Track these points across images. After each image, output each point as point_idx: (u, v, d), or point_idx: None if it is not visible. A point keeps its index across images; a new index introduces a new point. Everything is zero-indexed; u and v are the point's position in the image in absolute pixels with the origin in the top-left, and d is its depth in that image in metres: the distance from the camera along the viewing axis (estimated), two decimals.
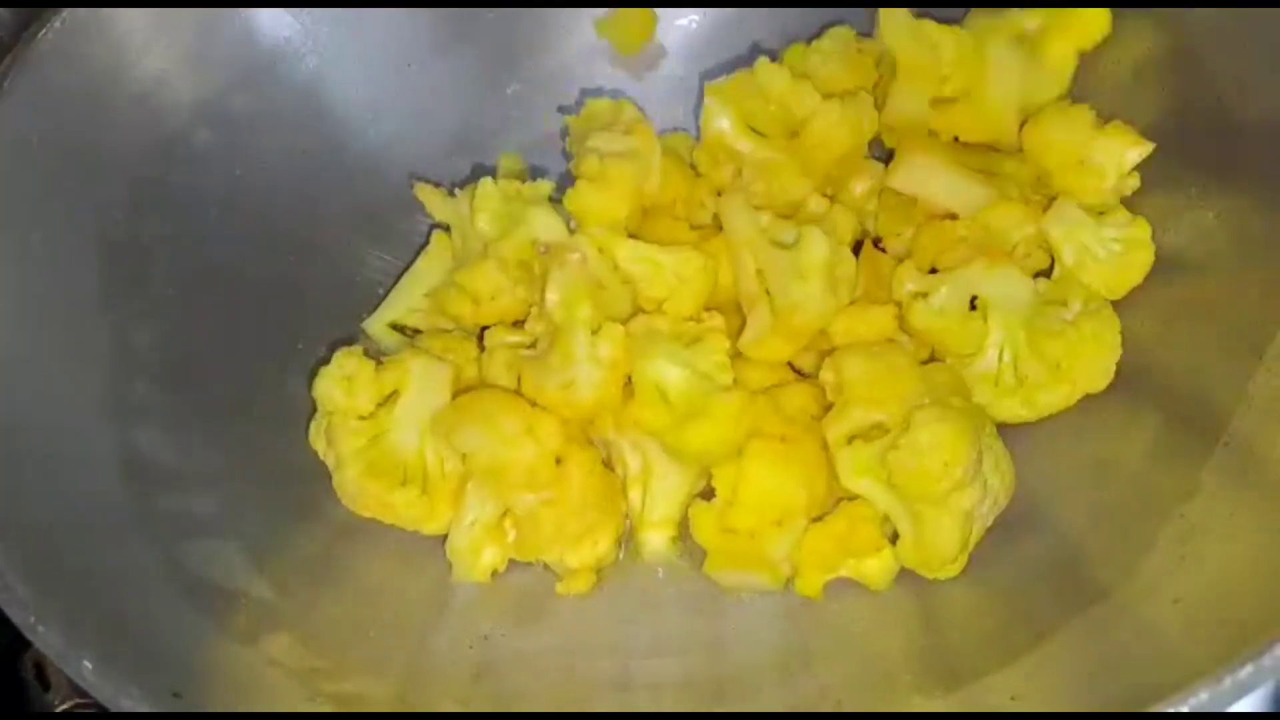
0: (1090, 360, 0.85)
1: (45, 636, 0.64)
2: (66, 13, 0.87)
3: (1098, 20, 0.95)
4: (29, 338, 0.81)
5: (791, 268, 0.86)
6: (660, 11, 1.08)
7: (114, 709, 0.62)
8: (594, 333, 0.86)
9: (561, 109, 1.09)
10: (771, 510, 0.83)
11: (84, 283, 0.86)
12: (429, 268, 1.02)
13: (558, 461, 0.87)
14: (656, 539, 0.90)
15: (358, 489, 0.86)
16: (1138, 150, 0.91)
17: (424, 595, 0.89)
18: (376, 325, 1.01)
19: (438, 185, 1.03)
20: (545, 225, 0.91)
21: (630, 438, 0.90)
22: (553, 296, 0.87)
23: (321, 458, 0.89)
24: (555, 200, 0.95)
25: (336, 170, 1.04)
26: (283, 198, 1.01)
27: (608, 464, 0.91)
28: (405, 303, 1.02)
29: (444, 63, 1.07)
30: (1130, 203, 0.93)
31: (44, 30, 0.86)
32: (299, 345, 0.98)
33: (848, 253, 0.89)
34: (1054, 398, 0.86)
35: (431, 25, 1.05)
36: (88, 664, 0.62)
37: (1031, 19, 0.97)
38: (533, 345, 0.92)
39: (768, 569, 0.85)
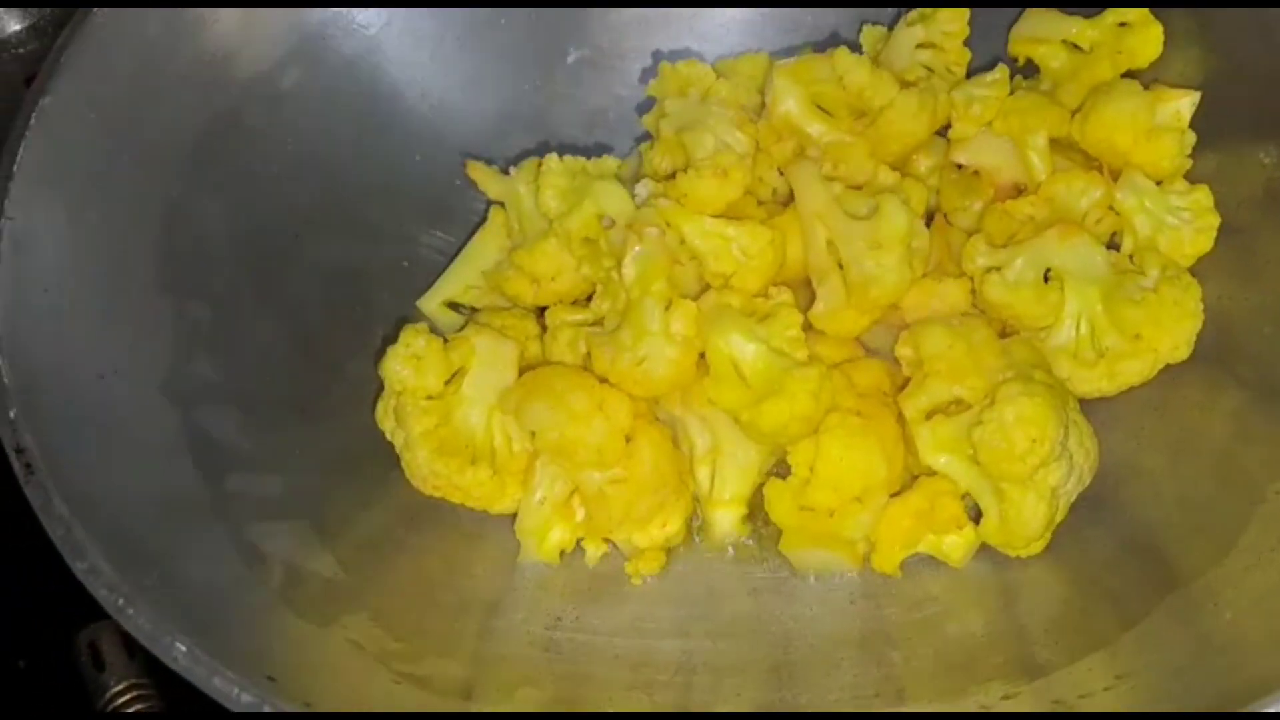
0: (1172, 328, 0.83)
1: (134, 619, 0.62)
2: None
3: (1152, 44, 0.95)
4: (90, 316, 0.80)
5: (868, 238, 0.84)
6: None
7: (206, 691, 0.60)
8: (666, 309, 0.84)
9: (623, 81, 1.07)
10: (851, 487, 0.81)
11: (143, 261, 0.85)
12: (485, 245, 1.00)
13: (627, 439, 0.85)
14: (726, 518, 0.89)
15: (428, 469, 0.84)
16: (1189, 101, 0.90)
17: (492, 575, 0.87)
18: (432, 304, 1.00)
19: (490, 163, 1.01)
20: (613, 201, 0.89)
21: (699, 414, 0.88)
22: (630, 271, 0.85)
23: (389, 438, 0.87)
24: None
25: (389, 146, 1.02)
26: (334, 174, 0.99)
27: (675, 442, 0.90)
28: (461, 280, 1.00)
29: (497, 34, 1.04)
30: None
31: (98, 6, 0.84)
32: (356, 323, 0.97)
33: (922, 225, 0.87)
34: (1135, 368, 0.84)
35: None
36: (180, 646, 0.60)
37: (1084, 34, 0.97)
38: (597, 323, 0.90)
39: (845, 547, 0.84)
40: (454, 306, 1.01)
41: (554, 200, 0.92)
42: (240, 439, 0.83)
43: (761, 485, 0.88)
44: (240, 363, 0.87)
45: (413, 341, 0.85)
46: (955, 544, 0.83)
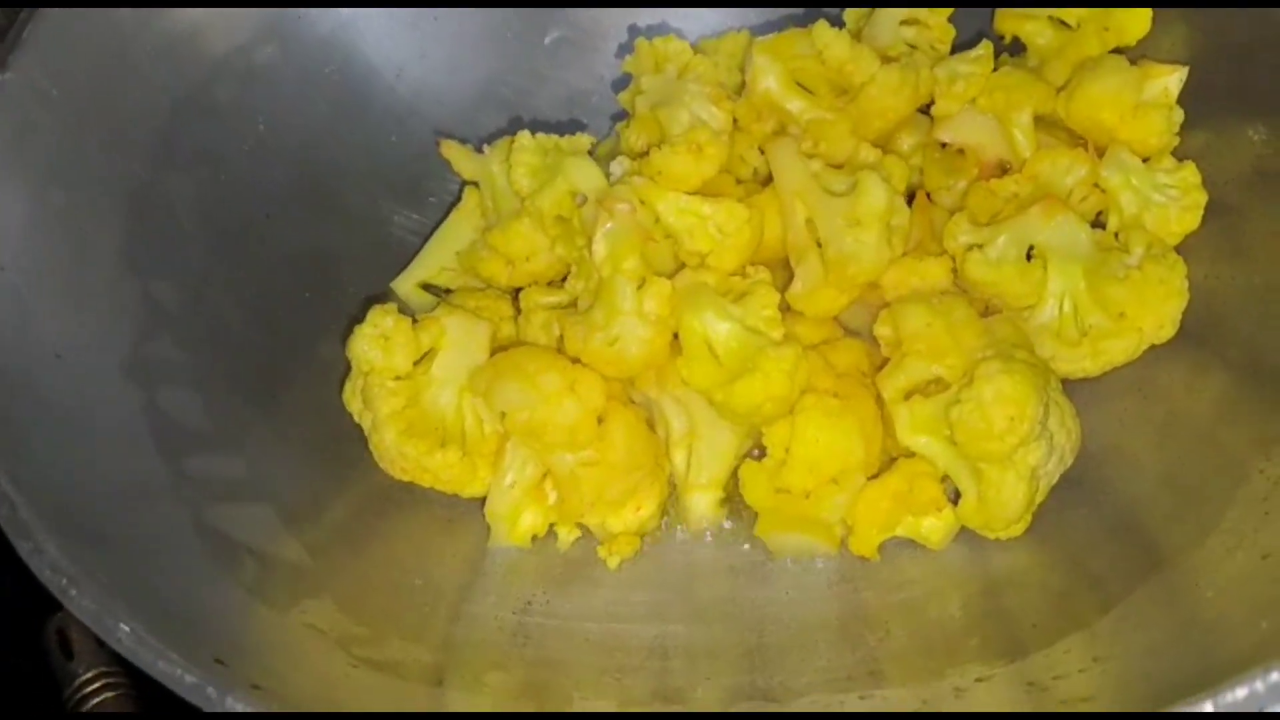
0: (1157, 305, 0.82)
1: (78, 600, 0.60)
2: None
3: (1140, 20, 0.93)
4: (50, 296, 0.78)
5: (846, 216, 0.83)
6: None
7: (152, 674, 0.58)
8: (639, 288, 0.82)
9: (603, 61, 1.06)
10: (827, 468, 0.80)
11: (108, 240, 0.83)
12: (460, 226, 0.99)
13: (599, 421, 0.83)
14: (703, 502, 0.87)
15: (396, 451, 0.82)
16: (1176, 77, 0.89)
17: (462, 560, 0.86)
18: (405, 285, 0.98)
19: (465, 142, 0.99)
20: (585, 176, 0.87)
21: (674, 396, 0.86)
22: (600, 248, 0.83)
23: (356, 419, 0.85)
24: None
25: (362, 126, 1.01)
26: (307, 154, 0.98)
27: (650, 425, 0.88)
28: (435, 262, 0.99)
29: (475, 12, 1.03)
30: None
31: None
32: (327, 305, 0.95)
33: (902, 202, 0.85)
34: (1120, 347, 0.82)
35: None
36: (125, 628, 0.59)
37: (1071, 10, 0.96)
38: (572, 305, 0.89)
39: (822, 530, 0.82)
40: (428, 288, 0.99)
41: (525, 178, 0.90)
42: (203, 421, 0.81)
43: (738, 468, 0.86)
44: (206, 344, 0.86)
45: (380, 321, 0.83)
46: (934, 527, 0.81)
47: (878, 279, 0.86)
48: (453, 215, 0.99)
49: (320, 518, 0.82)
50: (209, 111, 0.92)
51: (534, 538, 0.87)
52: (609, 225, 0.83)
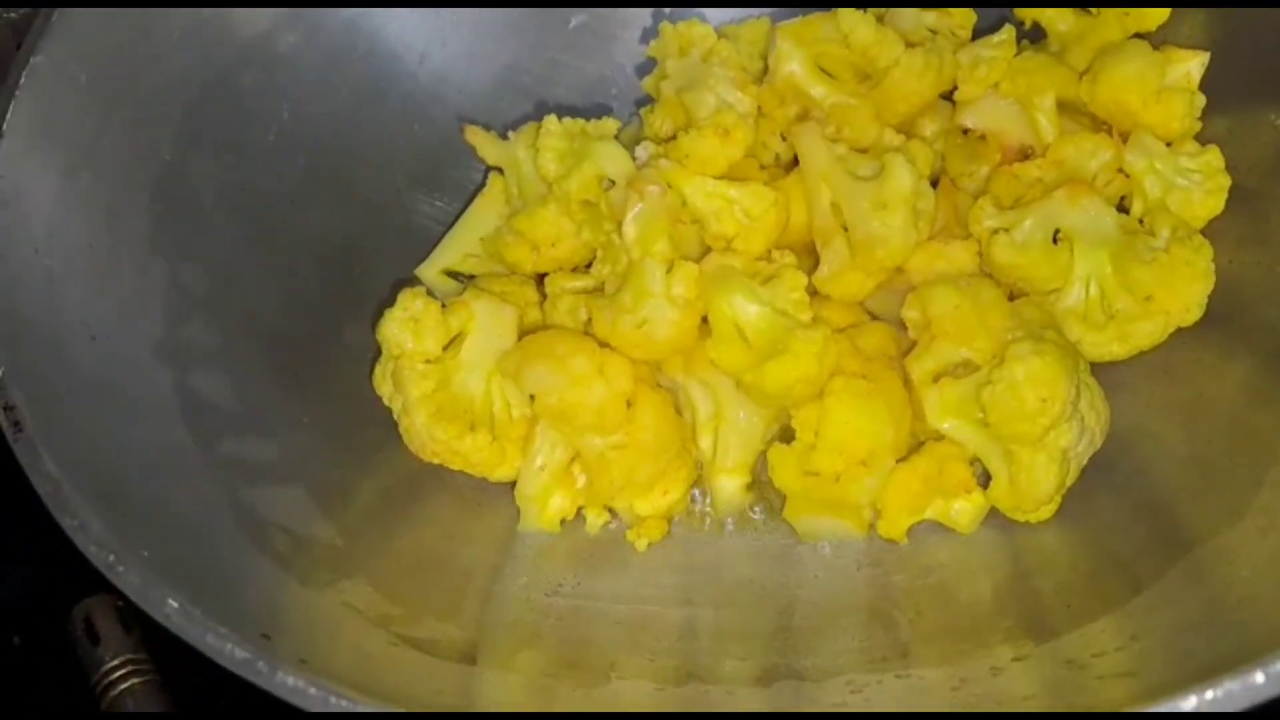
0: (1184, 289, 0.82)
1: (125, 576, 0.61)
2: None
3: (1160, 7, 0.94)
4: (82, 278, 0.79)
5: (873, 199, 0.83)
6: None
7: (200, 648, 0.58)
8: (668, 271, 0.83)
9: (624, 49, 1.06)
10: (857, 451, 0.80)
11: (135, 223, 0.84)
12: (484, 212, 0.99)
13: (628, 404, 0.83)
14: (730, 486, 0.87)
15: (426, 435, 0.82)
16: (1199, 61, 0.89)
17: (492, 542, 0.86)
18: (430, 271, 0.98)
19: (488, 128, 0.99)
20: (613, 160, 0.88)
21: (701, 380, 0.87)
22: (630, 231, 0.84)
23: (387, 403, 0.86)
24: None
25: (385, 112, 1.01)
26: (331, 140, 0.98)
27: (677, 409, 0.88)
28: (460, 248, 0.99)
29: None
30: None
31: None
32: (353, 290, 0.95)
33: (928, 186, 0.86)
34: (1146, 330, 0.83)
35: None
36: (173, 603, 0.59)
37: None
38: (598, 290, 0.89)
39: (851, 513, 0.82)
40: (453, 275, 0.99)
41: (553, 163, 0.90)
42: (234, 403, 0.82)
43: (765, 452, 0.87)
44: (235, 327, 0.86)
45: (410, 304, 0.83)
46: (963, 509, 0.82)
47: (904, 263, 0.86)
48: (477, 201, 1.00)
49: (352, 500, 0.83)
50: (234, 97, 0.92)
51: (563, 521, 0.87)
52: (639, 208, 0.84)
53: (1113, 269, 0.84)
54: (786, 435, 0.85)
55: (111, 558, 0.61)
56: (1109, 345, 0.83)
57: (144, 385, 0.77)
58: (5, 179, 0.77)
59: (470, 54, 1.04)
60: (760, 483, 0.88)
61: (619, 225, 0.84)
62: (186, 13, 0.88)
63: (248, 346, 0.86)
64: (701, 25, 0.99)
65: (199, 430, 0.77)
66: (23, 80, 0.79)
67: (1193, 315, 0.83)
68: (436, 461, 0.85)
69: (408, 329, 0.83)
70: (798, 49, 0.92)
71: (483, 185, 1.01)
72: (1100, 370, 0.84)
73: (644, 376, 0.86)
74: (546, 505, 0.86)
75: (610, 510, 0.88)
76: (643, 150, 0.89)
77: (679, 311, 0.82)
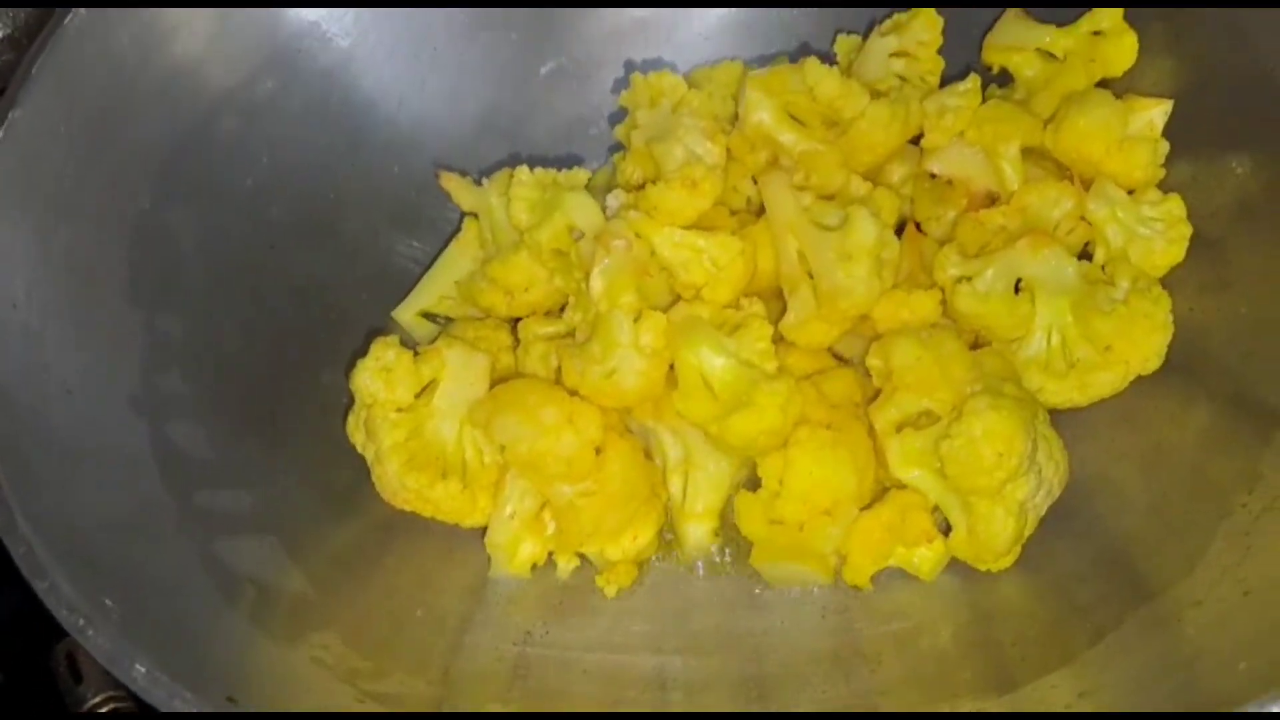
0: (1142, 340, 0.83)
1: (95, 640, 0.62)
2: None
3: (1126, 52, 0.95)
4: (59, 331, 0.79)
5: (837, 250, 0.85)
6: None
7: (165, 710, 0.60)
8: (635, 321, 0.84)
9: (598, 92, 1.08)
10: (821, 500, 0.82)
11: (113, 273, 0.85)
12: (460, 255, 1.01)
13: (597, 452, 0.85)
14: (698, 531, 0.88)
15: (399, 483, 0.84)
16: (1161, 110, 0.91)
17: (463, 590, 0.87)
18: (406, 314, 1.00)
19: (464, 173, 1.01)
20: (583, 212, 0.89)
21: (671, 426, 0.88)
22: (597, 284, 0.85)
23: (360, 451, 0.87)
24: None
25: (363, 157, 1.02)
26: (310, 186, 0.99)
27: (647, 453, 0.90)
28: (435, 291, 1.00)
29: (473, 45, 1.04)
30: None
31: (69, 16, 0.83)
32: (331, 335, 0.96)
33: (892, 235, 0.87)
34: (1106, 380, 0.84)
35: (460, 9, 1.03)
36: (140, 668, 0.60)
37: (1058, 42, 0.97)
38: (570, 335, 0.91)
39: (816, 560, 0.84)
40: (429, 317, 1.01)
41: (524, 213, 0.92)
42: (210, 453, 0.83)
43: (734, 498, 0.88)
44: (211, 376, 0.87)
45: (382, 354, 0.85)
46: (925, 557, 0.83)
47: (869, 311, 0.87)
48: (452, 245, 1.01)
49: (323, 549, 0.84)
50: (212, 145, 0.93)
51: (533, 567, 0.89)
52: (606, 261, 0.85)
53: (1074, 318, 0.86)
54: (755, 481, 0.87)
55: (81, 621, 0.62)
56: (1069, 393, 0.85)
57: (119, 438, 0.78)
58: None
59: (448, 98, 1.05)
60: (729, 526, 0.89)
61: (588, 276, 0.85)
62: (164, 62, 0.89)
63: (224, 395, 0.87)
64: (671, 76, 1.00)
65: (174, 482, 0.78)
66: (1, 135, 0.80)
67: (1152, 365, 0.84)
68: (408, 509, 0.86)
69: (380, 378, 0.84)
70: (767, 99, 0.93)
71: (459, 228, 1.02)
72: (1061, 418, 0.86)
73: (613, 424, 0.87)
74: (516, 552, 0.88)
75: (581, 555, 0.89)
76: (613, 199, 0.90)
77: (646, 361, 0.84)
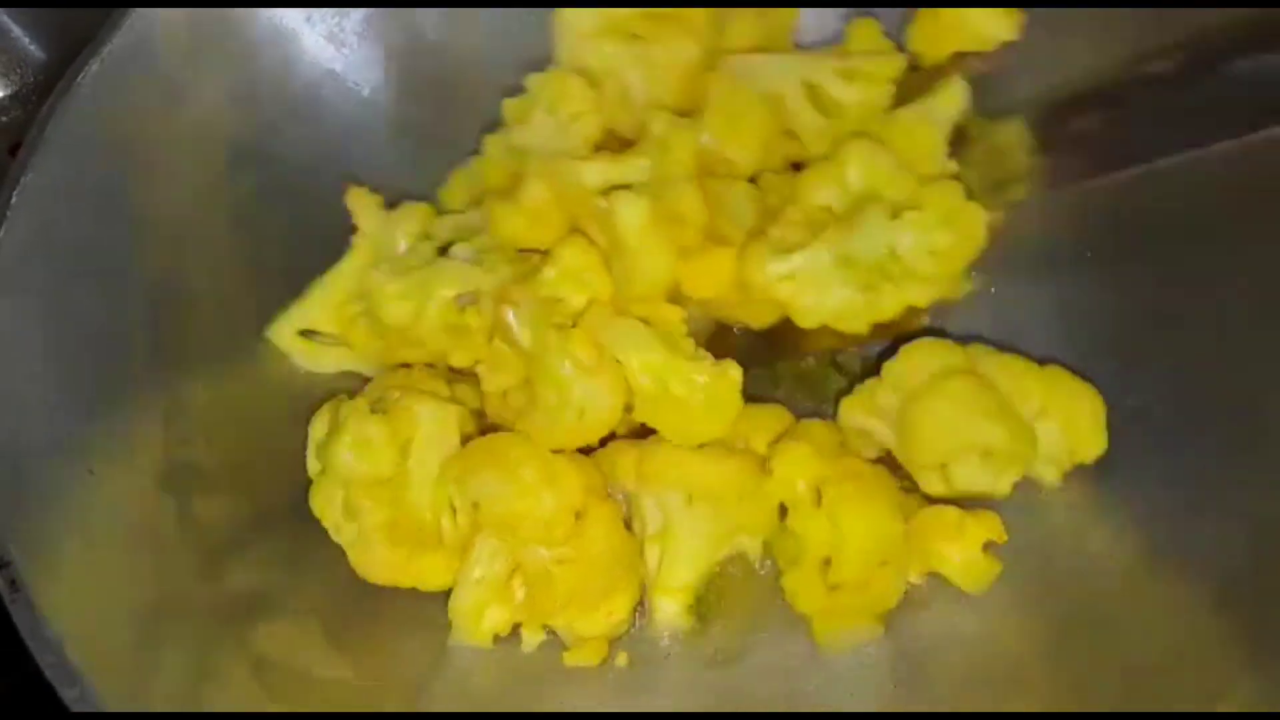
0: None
1: None
2: (105, 53, 0.87)
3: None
4: (77, 401, 0.81)
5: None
6: None
7: None
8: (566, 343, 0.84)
9: None
10: (877, 554, 0.84)
11: (131, 339, 0.87)
12: (349, 273, 0.98)
13: (577, 516, 0.85)
14: (671, 606, 0.89)
15: (383, 563, 0.85)
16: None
17: (419, 655, 0.87)
18: (284, 332, 0.97)
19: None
20: (463, 278, 0.89)
21: (654, 492, 0.88)
22: (524, 335, 0.85)
23: (333, 534, 0.86)
24: None
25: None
26: (331, 237, 0.99)
27: (626, 522, 0.90)
28: (319, 307, 0.97)
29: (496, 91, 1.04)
30: None
31: (81, 74, 0.86)
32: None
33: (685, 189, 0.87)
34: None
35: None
36: None
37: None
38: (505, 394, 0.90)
39: (873, 616, 0.86)
40: (308, 334, 0.98)
41: (399, 309, 0.90)
42: (238, 530, 0.85)
43: (710, 575, 0.89)
44: (234, 445, 0.89)
45: (360, 426, 0.84)
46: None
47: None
48: (343, 263, 0.99)
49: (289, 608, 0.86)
50: (230, 201, 0.95)
51: (496, 638, 0.87)
52: (512, 315, 0.85)
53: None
54: (740, 560, 0.90)
55: None
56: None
57: (146, 518, 0.80)
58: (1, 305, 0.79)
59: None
60: (701, 605, 0.90)
61: (502, 335, 0.86)
62: (178, 119, 0.92)
63: (248, 465, 0.89)
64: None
65: (203, 564, 0.81)
66: (14, 200, 0.82)
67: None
68: (387, 584, 0.87)
69: (358, 452, 0.84)
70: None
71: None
72: None
73: (595, 487, 0.88)
74: (480, 620, 0.87)
75: (548, 628, 0.89)
76: (462, 251, 0.91)
77: (602, 376, 0.84)
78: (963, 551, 0.84)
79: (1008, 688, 0.81)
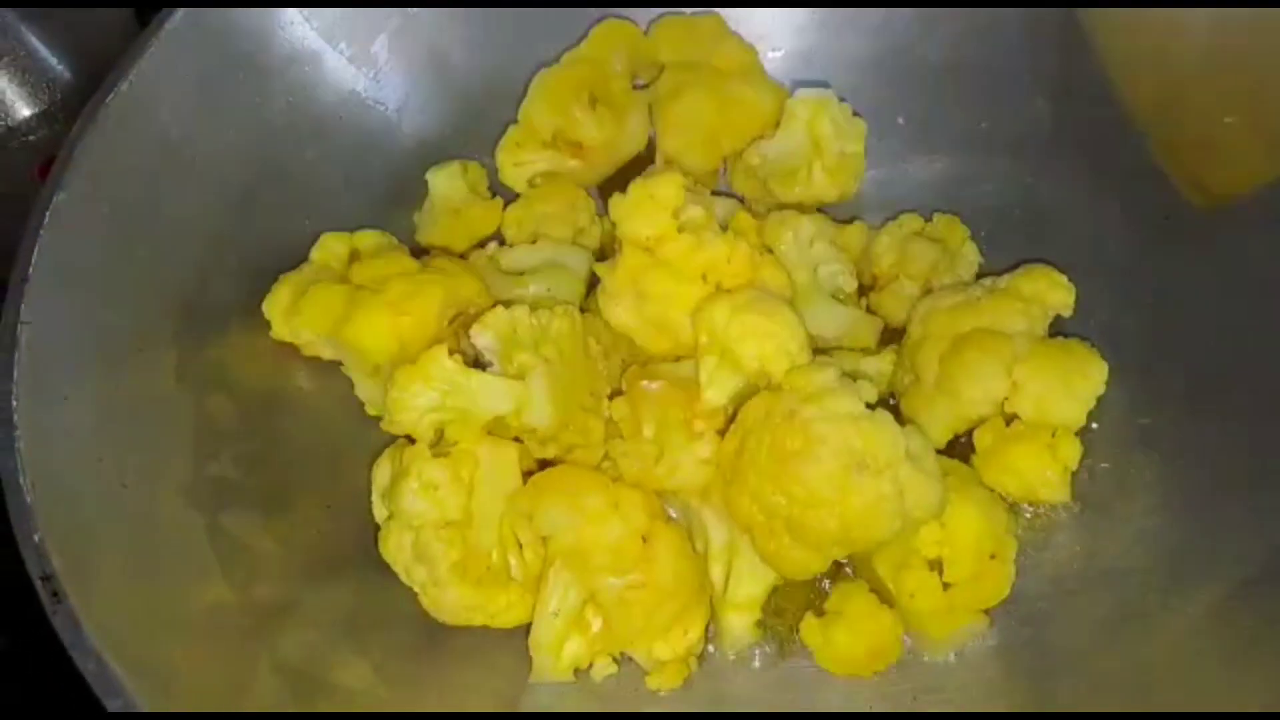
0: None
1: None
2: (133, 75, 0.86)
3: None
4: (110, 418, 0.79)
5: None
6: None
7: None
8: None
9: None
10: (987, 546, 0.85)
11: (160, 354, 0.85)
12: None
13: (644, 541, 0.85)
14: (739, 622, 0.89)
15: (459, 605, 0.83)
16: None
17: (495, 698, 0.86)
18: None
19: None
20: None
21: (715, 508, 0.88)
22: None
23: (404, 578, 0.85)
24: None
25: (406, 223, 1.04)
26: None
27: (689, 538, 0.89)
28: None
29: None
30: None
31: (110, 96, 0.85)
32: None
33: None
34: None
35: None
36: None
37: None
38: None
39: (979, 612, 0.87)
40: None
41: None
42: (268, 543, 0.83)
43: (776, 587, 0.89)
44: (262, 459, 0.87)
45: (425, 470, 0.82)
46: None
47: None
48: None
49: (382, 640, 0.84)
50: (256, 218, 0.94)
51: (576, 670, 0.87)
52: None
53: None
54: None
55: None
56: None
57: (176, 531, 0.79)
58: (34, 325, 0.77)
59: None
60: (769, 620, 0.90)
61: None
62: (207, 135, 0.91)
63: (277, 479, 0.88)
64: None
65: (234, 576, 0.79)
66: (46, 220, 0.80)
67: None
68: (461, 624, 0.85)
69: (427, 498, 0.83)
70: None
71: None
72: None
73: (658, 511, 0.88)
74: (560, 654, 0.86)
75: (617, 659, 0.88)
76: (483, 340, 0.87)
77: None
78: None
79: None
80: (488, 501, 0.86)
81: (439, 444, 0.86)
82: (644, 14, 1.08)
